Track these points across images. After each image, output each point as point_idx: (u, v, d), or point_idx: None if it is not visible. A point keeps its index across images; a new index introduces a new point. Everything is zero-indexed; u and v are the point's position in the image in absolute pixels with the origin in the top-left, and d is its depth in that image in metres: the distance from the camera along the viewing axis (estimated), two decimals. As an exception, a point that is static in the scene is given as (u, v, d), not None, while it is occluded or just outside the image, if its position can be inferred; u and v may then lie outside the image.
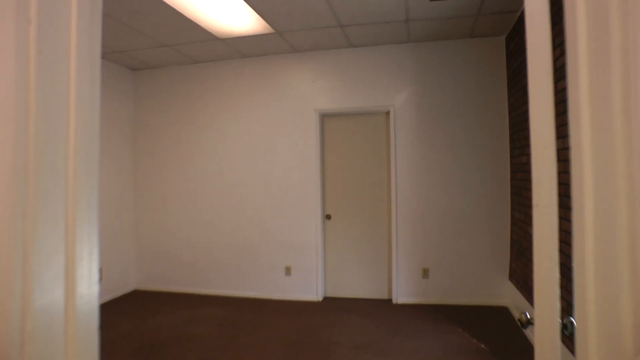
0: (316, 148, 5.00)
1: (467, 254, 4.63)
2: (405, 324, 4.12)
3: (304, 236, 5.05)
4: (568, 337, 0.99)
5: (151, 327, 4.23)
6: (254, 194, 5.21)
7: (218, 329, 4.15)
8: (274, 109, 5.14)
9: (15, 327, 0.74)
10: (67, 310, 0.84)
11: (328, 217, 5.09)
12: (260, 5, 3.60)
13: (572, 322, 0.97)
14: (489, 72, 4.54)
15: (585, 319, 0.87)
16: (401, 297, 4.76)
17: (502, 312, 4.33)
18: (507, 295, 4.47)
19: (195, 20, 3.91)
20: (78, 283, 0.86)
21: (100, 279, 4.93)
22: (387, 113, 4.86)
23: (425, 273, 4.72)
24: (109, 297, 5.10)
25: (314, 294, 5.00)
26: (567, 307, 1.09)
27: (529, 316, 1.21)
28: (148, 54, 4.90)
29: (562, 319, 1.02)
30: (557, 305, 1.03)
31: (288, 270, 5.09)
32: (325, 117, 5.09)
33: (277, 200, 5.14)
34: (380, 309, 4.60)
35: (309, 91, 5.03)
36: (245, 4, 3.56)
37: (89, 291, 0.90)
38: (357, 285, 5.01)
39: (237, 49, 4.82)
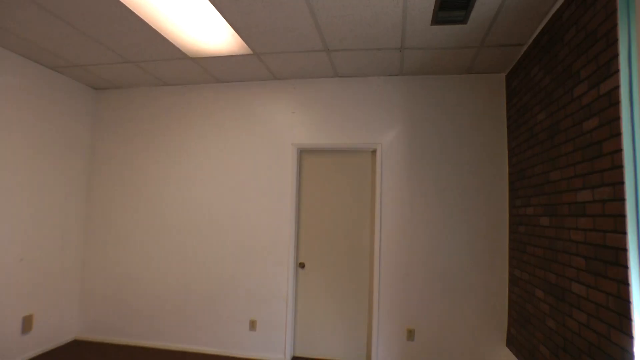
0: (292, 187, 4.45)
1: (458, 313, 4.06)
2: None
3: (273, 286, 4.42)
4: None
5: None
6: (220, 235, 4.59)
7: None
8: (247, 142, 4.61)
9: None
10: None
11: (301, 265, 4.48)
12: (238, 19, 3.13)
13: None
14: (487, 112, 4.14)
15: None
16: (382, 362, 4.13)
17: (498, 387, 3.73)
18: (504, 366, 3.89)
19: (163, 34, 3.42)
20: None
21: (30, 327, 4.17)
22: (374, 152, 4.39)
23: (411, 334, 4.11)
24: (41, 349, 4.30)
25: (281, 353, 4.31)
26: None
27: None
28: (111, 70, 4.37)
29: None
30: None
31: (253, 325, 4.42)
32: (303, 153, 4.58)
33: (245, 244, 4.52)
34: (357, 377, 3.94)
35: (288, 123, 4.54)
36: (220, 16, 3.10)
37: None
38: (332, 344, 4.35)
39: (210, 72, 4.34)
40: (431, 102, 4.25)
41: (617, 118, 2.00)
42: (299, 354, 4.41)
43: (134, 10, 3.05)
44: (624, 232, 1.95)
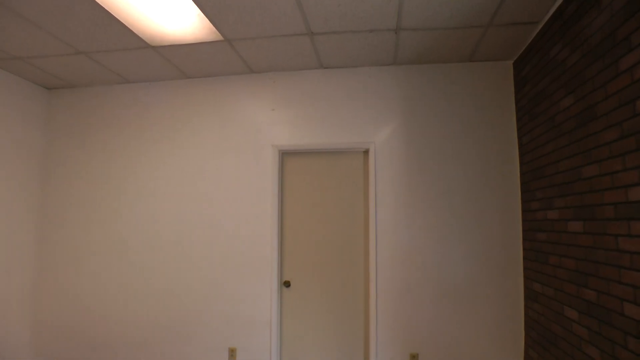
0: (273, 194, 3.90)
1: (467, 335, 3.53)
2: None
3: (255, 309, 3.84)
4: None
5: None
6: (192, 252, 4.00)
7: None
8: (220, 145, 4.05)
9: None
10: None
11: (287, 284, 3.91)
12: (201, -7, 2.60)
13: None
14: (492, 104, 3.66)
15: None
16: (382, 395, 3.57)
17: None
18: (523, 395, 3.37)
19: (116, 15, 2.86)
20: None
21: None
22: (366, 152, 3.87)
23: (413, 360, 3.58)
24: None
25: (266, 387, 3.74)
26: None
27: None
28: (60, 64, 3.77)
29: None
30: None
31: (232, 353, 3.84)
32: (286, 156, 4.03)
33: (221, 261, 3.94)
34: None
35: (267, 122, 4.00)
36: (179, -11, 2.56)
37: None
38: (323, 374, 3.79)
39: (176, 65, 3.78)
40: (430, 94, 3.76)
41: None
42: (285, 386, 3.84)
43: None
44: None
